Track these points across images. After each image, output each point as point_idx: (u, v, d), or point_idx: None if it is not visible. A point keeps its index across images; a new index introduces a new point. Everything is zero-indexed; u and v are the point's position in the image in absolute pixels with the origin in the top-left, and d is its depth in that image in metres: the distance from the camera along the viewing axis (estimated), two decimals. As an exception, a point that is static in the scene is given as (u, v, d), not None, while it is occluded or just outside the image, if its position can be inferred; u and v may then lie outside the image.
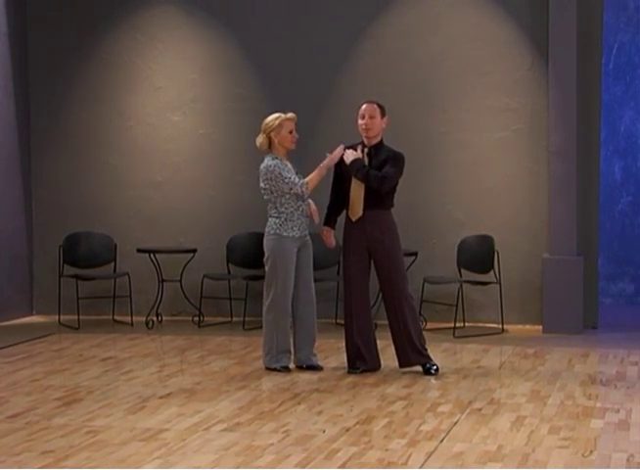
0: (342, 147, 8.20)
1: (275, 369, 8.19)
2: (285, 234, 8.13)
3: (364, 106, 8.18)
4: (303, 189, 8.11)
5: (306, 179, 8.15)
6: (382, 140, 8.21)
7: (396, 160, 8.12)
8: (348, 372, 8.17)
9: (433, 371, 8.12)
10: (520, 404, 7.13)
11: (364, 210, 8.10)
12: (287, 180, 8.10)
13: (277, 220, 8.16)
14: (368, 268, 8.24)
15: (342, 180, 8.23)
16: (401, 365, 8.23)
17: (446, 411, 6.93)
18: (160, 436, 6.30)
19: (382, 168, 8.07)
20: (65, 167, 11.42)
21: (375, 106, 8.16)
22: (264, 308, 8.22)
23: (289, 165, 8.25)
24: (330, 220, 8.39)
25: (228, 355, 9.08)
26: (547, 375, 8.13)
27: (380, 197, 8.10)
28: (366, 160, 8.15)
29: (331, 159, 8.21)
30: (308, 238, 8.32)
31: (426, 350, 8.23)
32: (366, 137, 8.17)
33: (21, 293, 11.34)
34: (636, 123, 12.46)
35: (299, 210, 8.19)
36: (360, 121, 8.16)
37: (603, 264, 11.79)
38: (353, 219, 8.15)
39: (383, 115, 8.18)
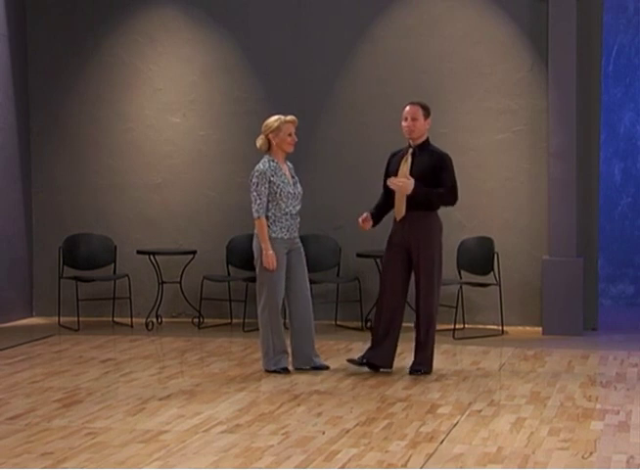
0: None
1: (274, 371, 8.19)
2: (273, 235, 8.13)
3: (407, 108, 8.19)
4: (255, 216, 8.12)
5: (263, 219, 8.08)
6: (427, 139, 8.22)
7: (444, 163, 8.10)
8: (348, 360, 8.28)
9: (415, 372, 8.16)
10: (519, 406, 7.13)
11: (407, 210, 8.10)
12: (256, 195, 8.13)
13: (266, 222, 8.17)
14: (406, 267, 8.20)
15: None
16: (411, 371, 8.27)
17: (446, 413, 6.92)
18: (160, 437, 6.30)
19: (424, 168, 8.07)
20: (64, 169, 11.42)
21: (418, 107, 8.17)
22: (259, 310, 8.23)
23: (284, 169, 8.23)
24: (375, 213, 8.37)
25: (228, 357, 9.08)
26: (547, 377, 8.13)
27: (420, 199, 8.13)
28: (409, 159, 8.15)
29: (270, 263, 8.10)
30: (298, 241, 8.31)
31: (431, 360, 8.24)
32: (410, 139, 8.19)
33: (20, 294, 11.34)
34: (636, 125, 12.46)
35: (288, 214, 8.18)
36: (403, 124, 8.17)
37: (603, 266, 11.79)
38: (397, 219, 8.18)
39: (426, 116, 8.19)
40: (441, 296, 10.32)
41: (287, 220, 8.18)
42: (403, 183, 8.02)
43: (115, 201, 11.33)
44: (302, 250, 8.36)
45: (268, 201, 8.14)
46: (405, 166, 8.14)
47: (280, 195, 8.13)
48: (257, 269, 8.22)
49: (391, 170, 8.25)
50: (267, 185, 8.13)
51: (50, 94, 11.40)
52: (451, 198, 8.12)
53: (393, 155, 8.34)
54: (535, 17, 10.41)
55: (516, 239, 10.54)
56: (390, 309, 8.20)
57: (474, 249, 10.39)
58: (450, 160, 8.16)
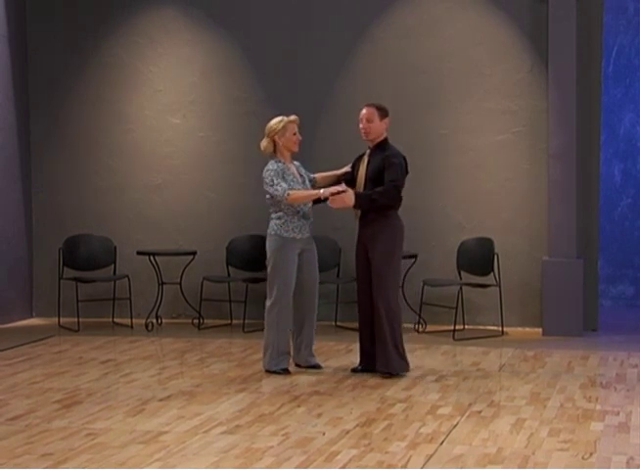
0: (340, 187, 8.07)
1: (275, 372, 8.20)
2: (285, 235, 8.16)
3: (363, 110, 8.24)
4: (285, 196, 8.08)
5: (292, 191, 8.10)
6: (385, 140, 8.21)
7: (389, 161, 8.05)
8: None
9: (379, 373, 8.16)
10: (519, 407, 7.13)
11: (362, 210, 8.16)
12: (273, 185, 8.11)
13: (278, 222, 8.19)
14: (369, 267, 8.22)
15: (352, 179, 8.30)
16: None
17: (446, 414, 6.92)
18: (160, 438, 6.30)
19: (376, 168, 8.09)
20: (64, 170, 11.42)
21: (373, 109, 8.19)
22: (266, 309, 8.25)
23: (292, 169, 8.26)
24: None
25: (228, 358, 9.08)
26: (547, 377, 8.13)
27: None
28: (366, 160, 8.19)
29: (329, 192, 8.05)
30: (312, 242, 8.33)
31: (393, 364, 8.11)
32: (367, 140, 8.23)
33: (21, 295, 11.34)
34: (636, 126, 12.47)
35: (300, 212, 8.21)
36: (360, 126, 8.22)
37: (603, 267, 11.79)
38: (357, 216, 8.23)
39: (382, 117, 8.20)
40: (441, 296, 10.42)
41: (298, 220, 8.21)
42: (341, 198, 7.95)
43: (115, 201, 11.33)
44: (315, 251, 8.39)
45: (280, 201, 8.16)
46: (363, 168, 8.22)
47: None
48: (269, 269, 8.26)
49: (354, 172, 8.31)
50: (281, 180, 8.13)
51: (50, 95, 11.41)
52: (391, 193, 7.99)
53: (358, 157, 8.37)
54: (535, 17, 10.41)
55: (516, 240, 10.54)
56: (365, 308, 8.22)
57: (473, 249, 10.39)
58: (398, 158, 8.08)
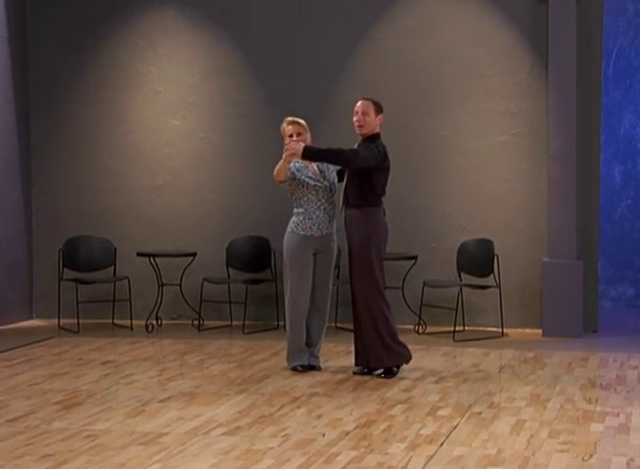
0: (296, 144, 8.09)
1: (293, 369, 8.28)
2: (302, 233, 8.21)
3: (359, 102, 8.22)
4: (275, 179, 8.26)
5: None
6: (375, 134, 8.17)
7: (365, 144, 8.06)
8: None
9: (376, 375, 8.20)
10: (519, 408, 7.13)
11: (346, 207, 8.17)
12: None
13: (296, 219, 8.27)
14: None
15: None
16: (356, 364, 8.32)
17: (446, 415, 6.92)
18: (160, 440, 6.30)
19: None
20: (64, 171, 11.42)
21: (369, 102, 8.18)
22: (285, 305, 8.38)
23: (310, 167, 8.25)
24: None
25: (228, 359, 9.08)
26: (547, 379, 8.13)
27: (355, 195, 8.09)
28: None
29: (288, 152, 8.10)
30: (331, 240, 8.33)
31: (373, 361, 8.16)
32: (359, 134, 8.21)
33: (21, 296, 11.34)
34: (636, 127, 12.47)
35: (321, 208, 8.23)
36: (354, 118, 8.20)
37: (603, 268, 11.79)
38: (341, 213, 8.28)
39: (378, 112, 8.17)
40: (441, 298, 10.42)
41: (317, 217, 8.23)
42: (291, 147, 7.96)
43: (116, 203, 11.33)
44: (333, 251, 8.39)
45: (299, 197, 8.23)
46: None
47: (307, 188, 8.20)
48: (284, 266, 8.34)
49: None
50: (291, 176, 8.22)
51: (50, 96, 11.41)
52: (344, 155, 7.99)
53: None
54: (535, 19, 10.41)
55: (516, 241, 10.54)
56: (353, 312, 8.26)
57: (474, 250, 10.39)
58: (373, 145, 8.02)
